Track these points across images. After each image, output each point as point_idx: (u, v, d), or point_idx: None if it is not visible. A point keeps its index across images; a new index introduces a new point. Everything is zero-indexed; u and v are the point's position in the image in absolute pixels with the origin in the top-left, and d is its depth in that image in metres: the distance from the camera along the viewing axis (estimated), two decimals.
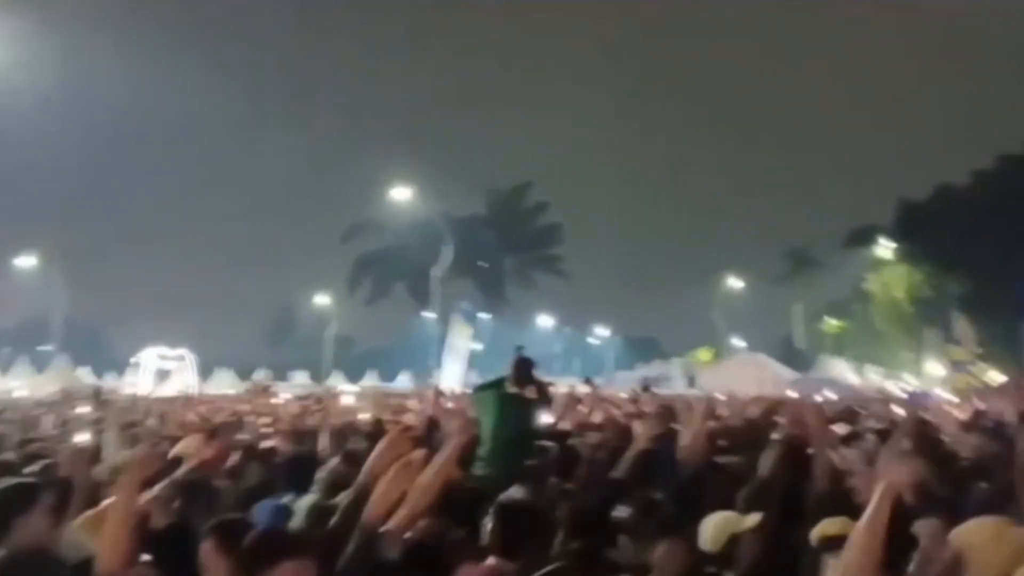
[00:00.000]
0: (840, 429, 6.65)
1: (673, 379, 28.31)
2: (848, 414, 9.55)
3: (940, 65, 49.62)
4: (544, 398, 6.37)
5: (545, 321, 51.62)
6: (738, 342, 44.62)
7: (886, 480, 2.32)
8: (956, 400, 15.16)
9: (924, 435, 6.08)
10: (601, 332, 53.61)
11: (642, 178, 57.66)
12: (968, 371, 24.57)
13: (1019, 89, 40.92)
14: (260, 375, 30.57)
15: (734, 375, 21.86)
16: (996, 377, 23.35)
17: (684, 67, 56.96)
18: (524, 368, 6.29)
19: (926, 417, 8.68)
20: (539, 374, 6.48)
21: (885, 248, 35.81)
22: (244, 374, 30.90)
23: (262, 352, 44.85)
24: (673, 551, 3.15)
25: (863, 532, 2.25)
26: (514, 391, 6.14)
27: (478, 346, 33.76)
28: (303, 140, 53.66)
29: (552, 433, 6.16)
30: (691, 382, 27.60)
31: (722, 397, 11.92)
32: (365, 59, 56.94)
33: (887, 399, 13.67)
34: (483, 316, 42.96)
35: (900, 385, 26.14)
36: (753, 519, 3.38)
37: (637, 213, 56.29)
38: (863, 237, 36.88)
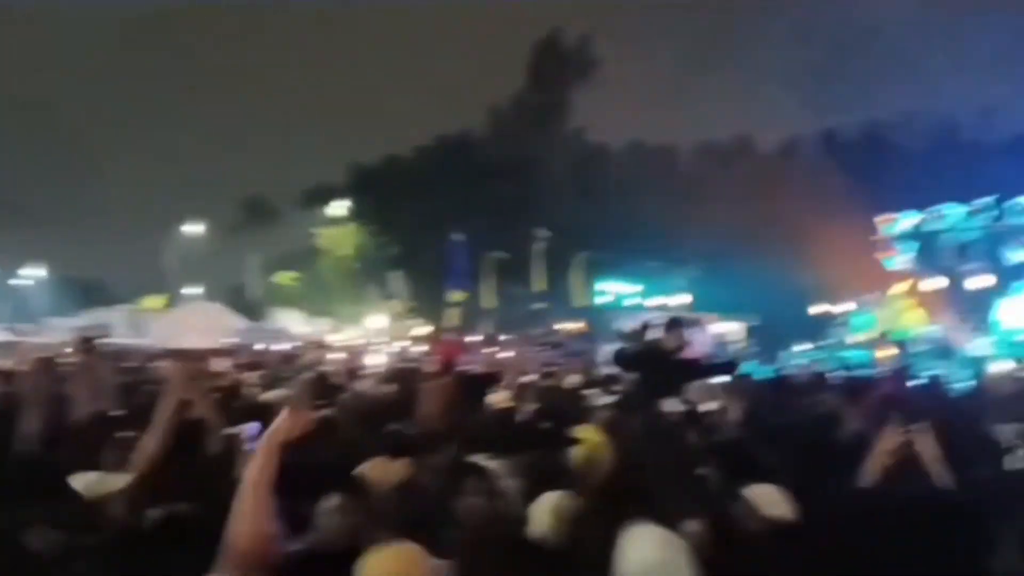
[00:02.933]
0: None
1: (118, 327, 26.41)
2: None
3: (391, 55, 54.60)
4: None
5: None
6: (194, 290, 43.39)
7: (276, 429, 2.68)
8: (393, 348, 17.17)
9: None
10: (34, 272, 46.85)
11: (98, 113, 51.89)
12: (403, 323, 28.02)
13: (460, 77, 47.17)
14: None
15: (186, 324, 21.28)
16: (424, 329, 27.08)
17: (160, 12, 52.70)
18: None
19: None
20: None
21: (338, 207, 38.38)
22: None
23: None
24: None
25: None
26: None
27: None
28: None
29: None
30: (139, 331, 26.10)
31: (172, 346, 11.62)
32: None
33: (324, 347, 14.87)
34: None
35: (345, 336, 28.50)
36: (121, 480, 3.43)
37: (88, 147, 50.56)
38: (319, 195, 38.93)
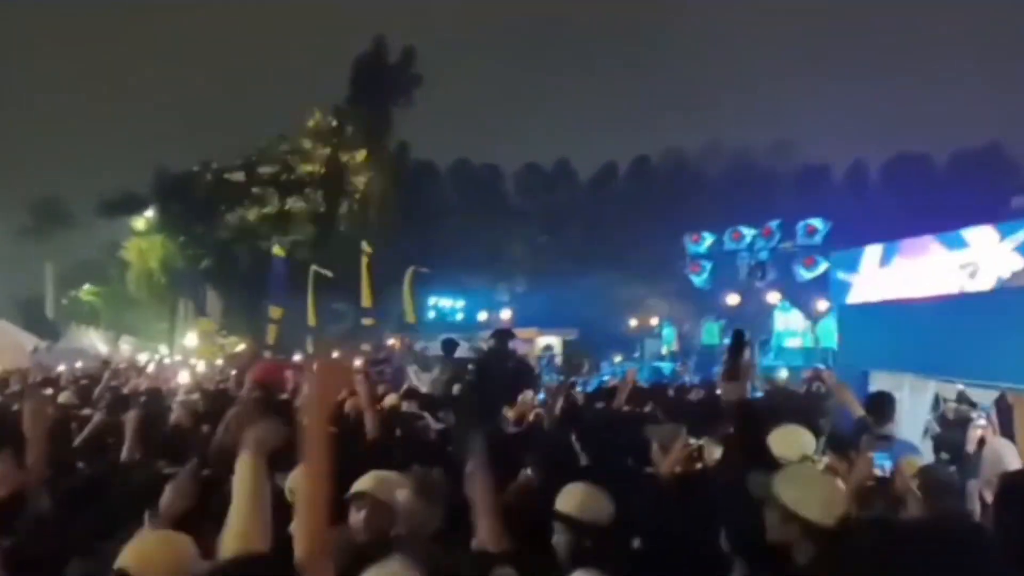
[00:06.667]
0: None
1: None
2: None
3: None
4: None
5: None
6: None
7: None
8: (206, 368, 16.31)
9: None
10: None
11: None
12: (216, 342, 26.51)
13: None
14: None
15: None
16: (238, 347, 25.79)
17: None
18: None
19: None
20: None
21: (144, 217, 35.81)
22: None
23: None
24: None
25: None
26: None
27: None
28: None
29: None
30: None
31: None
32: None
33: (133, 369, 13.93)
34: None
35: (154, 355, 26.68)
36: None
37: None
38: (123, 202, 36.11)
